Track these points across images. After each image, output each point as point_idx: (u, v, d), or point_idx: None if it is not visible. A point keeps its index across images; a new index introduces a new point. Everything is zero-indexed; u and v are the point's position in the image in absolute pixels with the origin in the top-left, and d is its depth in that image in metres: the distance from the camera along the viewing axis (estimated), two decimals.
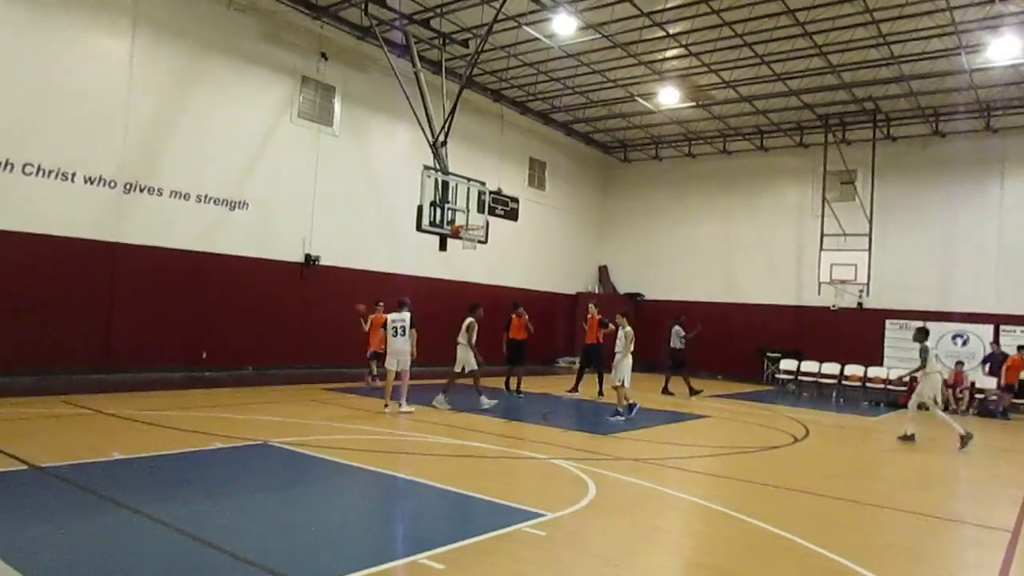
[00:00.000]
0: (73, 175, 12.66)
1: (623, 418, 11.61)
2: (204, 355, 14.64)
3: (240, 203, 15.31)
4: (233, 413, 10.36)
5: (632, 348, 11.80)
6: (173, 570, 4.35)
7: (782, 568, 5.10)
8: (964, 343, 19.62)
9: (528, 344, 14.77)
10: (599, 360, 15.52)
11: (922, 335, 11.79)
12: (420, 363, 12.10)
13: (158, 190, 13.93)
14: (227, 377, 14.37)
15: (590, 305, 16.17)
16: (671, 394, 16.60)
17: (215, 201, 14.85)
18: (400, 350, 11.31)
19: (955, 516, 7.25)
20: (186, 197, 14.36)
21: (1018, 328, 19.12)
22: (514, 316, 14.72)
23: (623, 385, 11.70)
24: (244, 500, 6.19)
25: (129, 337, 13.49)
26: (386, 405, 11.28)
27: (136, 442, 7.95)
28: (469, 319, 12.63)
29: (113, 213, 13.28)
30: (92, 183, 12.95)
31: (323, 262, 16.78)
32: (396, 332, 11.32)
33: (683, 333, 17.07)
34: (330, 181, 17.10)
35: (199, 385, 13.11)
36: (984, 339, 19.55)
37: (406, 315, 11.39)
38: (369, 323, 14.35)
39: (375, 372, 14.28)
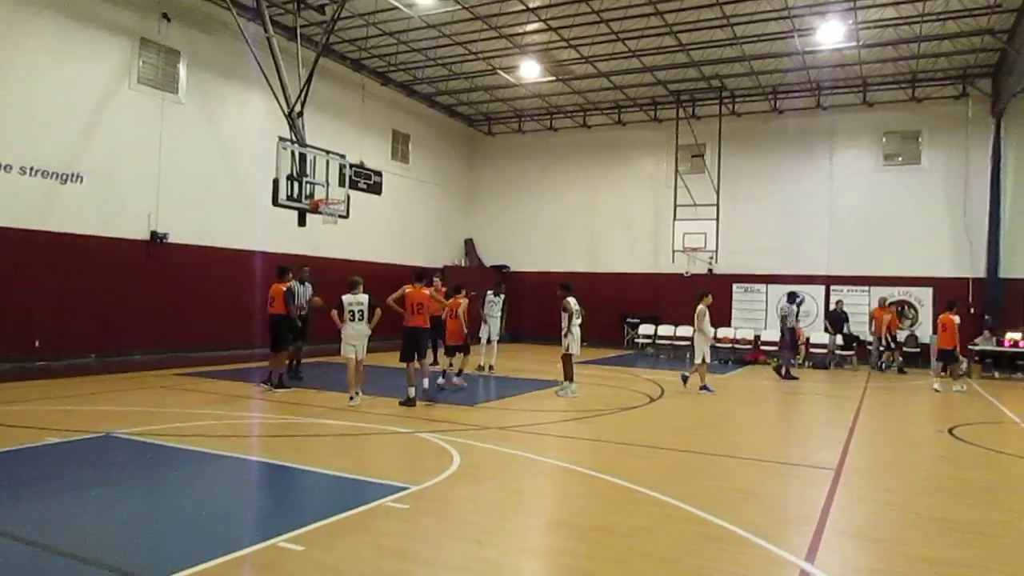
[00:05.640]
0: None
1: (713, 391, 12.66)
2: (37, 344, 13.40)
3: (73, 176, 14.04)
4: (71, 405, 9.60)
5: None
6: None
7: (634, 519, 5.40)
8: (800, 303, 21.30)
9: (290, 320, 11.91)
10: (444, 331, 15.65)
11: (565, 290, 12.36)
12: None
13: None
14: (65, 367, 13.24)
15: (435, 278, 16.11)
16: (795, 378, 15.74)
17: (43, 173, 13.52)
18: (358, 334, 10.57)
19: (789, 460, 7.95)
20: (7, 169, 12.96)
21: (845, 287, 21.09)
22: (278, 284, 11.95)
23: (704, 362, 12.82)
24: (82, 497, 5.74)
25: None
26: (351, 396, 10.37)
27: None
28: (700, 307, 12.76)
29: None
30: None
31: (172, 239, 15.75)
32: (353, 316, 10.57)
33: (787, 313, 16.16)
34: (177, 152, 16.00)
35: (32, 377, 12.02)
36: (818, 299, 21.42)
37: (363, 297, 10.66)
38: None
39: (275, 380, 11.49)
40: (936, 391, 14.14)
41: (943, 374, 14.69)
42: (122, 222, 14.95)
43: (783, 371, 16.09)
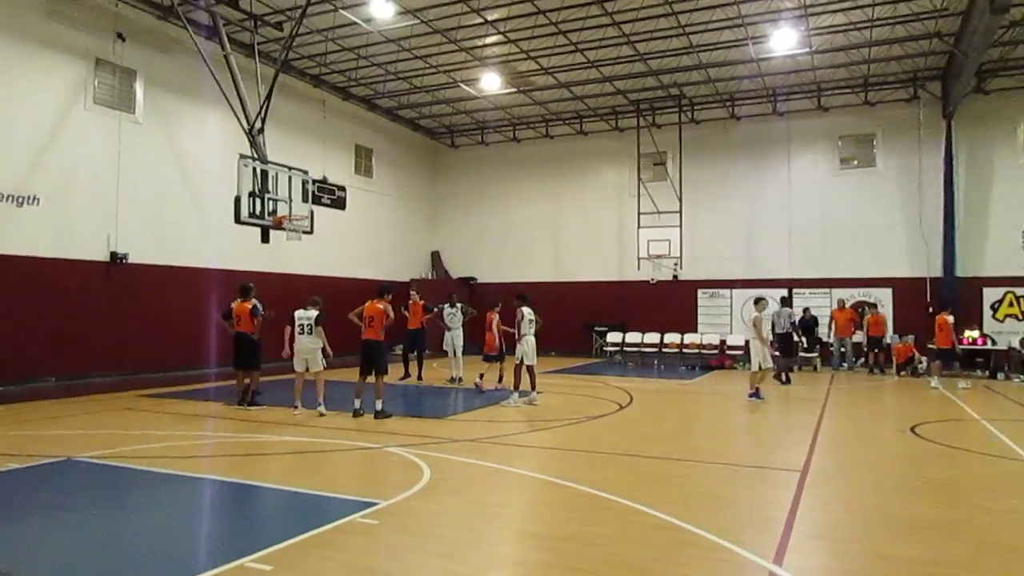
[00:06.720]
0: None
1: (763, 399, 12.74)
2: None
3: (29, 198, 13.72)
4: (31, 429, 9.37)
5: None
6: None
7: (604, 527, 5.44)
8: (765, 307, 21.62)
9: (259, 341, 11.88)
10: (423, 344, 15.74)
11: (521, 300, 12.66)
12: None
13: None
14: (23, 391, 12.86)
15: (411, 291, 16.19)
16: (788, 382, 15.70)
17: None
18: (305, 348, 11.12)
19: (756, 463, 8.06)
20: None
21: (807, 290, 21.46)
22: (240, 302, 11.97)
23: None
24: (45, 523, 5.60)
25: None
26: (296, 406, 11.04)
27: None
28: (755, 314, 12.96)
29: None
30: None
31: (132, 260, 15.47)
32: (302, 330, 11.14)
33: (794, 319, 16.87)
34: (136, 172, 15.73)
35: None
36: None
37: (312, 312, 11.19)
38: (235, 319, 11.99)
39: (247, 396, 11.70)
40: (936, 388, 14.66)
41: (943, 373, 15.38)
42: (81, 243, 14.65)
43: (782, 376, 16.10)
